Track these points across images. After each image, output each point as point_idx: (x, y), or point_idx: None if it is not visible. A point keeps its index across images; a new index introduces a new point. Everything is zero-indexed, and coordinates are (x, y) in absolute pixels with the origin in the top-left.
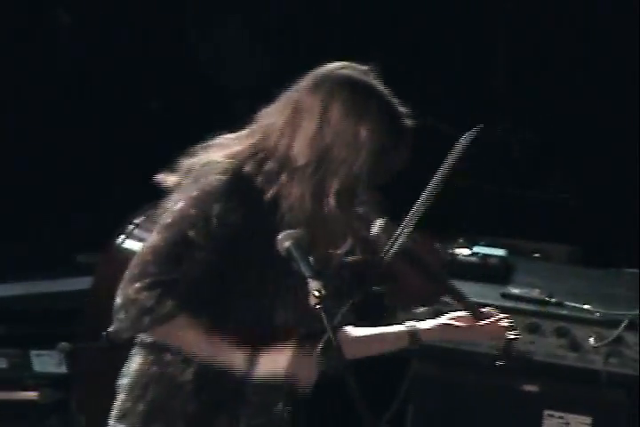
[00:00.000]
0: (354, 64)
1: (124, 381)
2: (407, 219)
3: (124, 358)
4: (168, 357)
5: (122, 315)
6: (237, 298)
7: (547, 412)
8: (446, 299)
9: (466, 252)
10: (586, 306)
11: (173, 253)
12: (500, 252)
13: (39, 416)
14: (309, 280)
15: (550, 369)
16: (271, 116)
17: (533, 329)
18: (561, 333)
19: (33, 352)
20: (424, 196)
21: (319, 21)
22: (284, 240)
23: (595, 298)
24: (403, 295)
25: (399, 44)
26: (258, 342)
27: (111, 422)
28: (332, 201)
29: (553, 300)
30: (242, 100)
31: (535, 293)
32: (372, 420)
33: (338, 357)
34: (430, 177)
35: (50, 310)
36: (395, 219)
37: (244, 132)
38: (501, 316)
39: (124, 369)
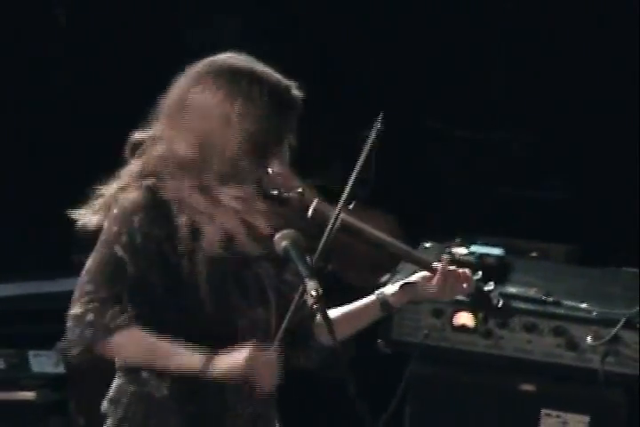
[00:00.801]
0: (231, 54)
1: (104, 405)
2: (342, 196)
3: None
4: (144, 375)
5: (69, 334)
6: (184, 306)
7: (544, 411)
8: (403, 262)
9: (463, 251)
10: (583, 305)
11: (105, 271)
12: (497, 251)
13: (37, 417)
14: (306, 280)
15: (548, 368)
16: (167, 118)
17: (531, 328)
18: (558, 332)
19: (31, 353)
20: (355, 173)
21: (317, 21)
22: (281, 240)
23: (592, 297)
24: (355, 268)
25: (398, 47)
26: (216, 344)
27: None
28: (221, 189)
29: (550, 299)
30: None
31: (532, 292)
32: (370, 420)
33: (337, 357)
34: (437, 178)
35: (47, 311)
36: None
37: (136, 158)
38: (454, 268)
39: (108, 394)
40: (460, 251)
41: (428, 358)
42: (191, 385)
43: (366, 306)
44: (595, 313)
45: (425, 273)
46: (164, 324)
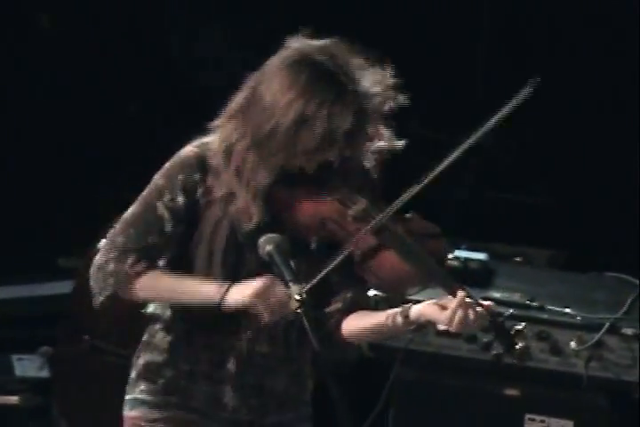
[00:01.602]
0: (317, 41)
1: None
2: (393, 203)
3: (105, 362)
4: (157, 326)
5: (93, 283)
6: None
7: (528, 416)
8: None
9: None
10: (567, 310)
11: (140, 223)
12: (481, 256)
13: (20, 421)
14: (290, 285)
15: (531, 373)
16: (236, 104)
17: (515, 333)
18: (542, 337)
19: (14, 356)
20: (415, 184)
21: (301, 22)
22: (266, 244)
23: (576, 302)
24: (383, 277)
25: (383, 50)
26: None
27: None
28: (259, 177)
29: (534, 304)
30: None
31: (516, 297)
32: (351, 424)
33: (321, 362)
34: (414, 182)
35: (31, 314)
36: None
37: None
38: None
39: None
40: None
41: (412, 363)
42: (192, 345)
43: (390, 316)
44: (578, 318)
45: (449, 297)
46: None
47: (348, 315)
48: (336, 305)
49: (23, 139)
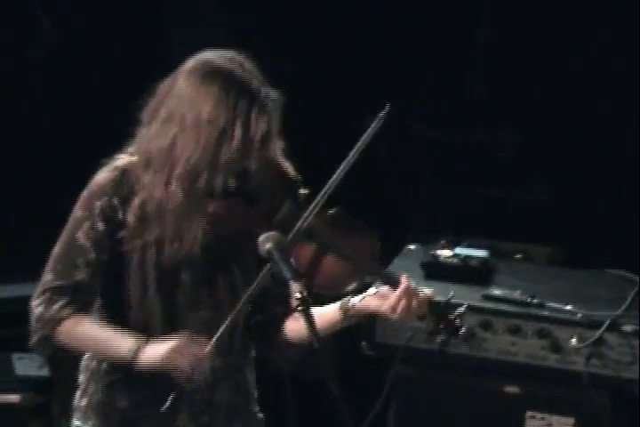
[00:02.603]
0: (223, 51)
1: (79, 376)
2: (314, 201)
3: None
4: (93, 363)
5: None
6: (131, 297)
7: (529, 413)
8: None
9: (447, 253)
10: (568, 307)
11: (64, 260)
12: (481, 253)
13: (21, 420)
14: (291, 282)
15: (532, 370)
16: (151, 111)
17: (515, 331)
18: (542, 334)
19: (14, 355)
20: (333, 178)
21: (293, 21)
22: (265, 242)
23: (576, 299)
24: (319, 277)
25: (379, 47)
26: (156, 333)
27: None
28: (178, 188)
29: (534, 301)
30: None
31: (517, 294)
32: (353, 422)
33: (321, 359)
34: (421, 179)
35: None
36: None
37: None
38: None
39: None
40: (445, 253)
41: (412, 361)
42: (147, 373)
43: (329, 314)
44: (579, 315)
45: (386, 288)
46: (117, 310)
47: (288, 317)
48: (275, 309)
49: (21, 135)
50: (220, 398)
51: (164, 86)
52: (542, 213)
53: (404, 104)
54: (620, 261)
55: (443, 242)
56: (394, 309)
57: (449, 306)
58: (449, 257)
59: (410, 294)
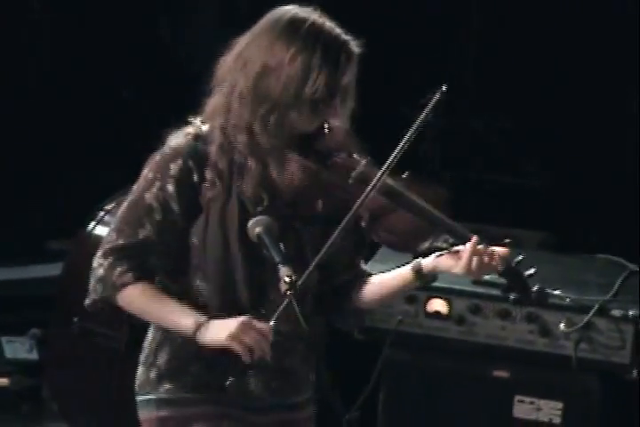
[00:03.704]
0: (297, 6)
1: (142, 354)
2: (388, 160)
3: (95, 344)
4: None
5: (89, 281)
6: (203, 259)
7: (518, 397)
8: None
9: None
10: (557, 292)
11: (131, 217)
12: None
13: (10, 402)
14: (280, 266)
15: (521, 355)
16: (225, 70)
17: (504, 315)
18: (531, 318)
19: (4, 338)
20: (402, 142)
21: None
22: (255, 226)
23: (566, 284)
24: (392, 232)
25: (371, 34)
26: (224, 306)
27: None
28: (264, 129)
29: None
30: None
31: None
32: (342, 406)
33: (311, 339)
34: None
35: (21, 297)
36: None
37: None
38: (482, 247)
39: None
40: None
41: (402, 345)
42: None
43: (402, 274)
44: (568, 300)
45: (459, 247)
46: (182, 275)
47: (357, 284)
48: (345, 276)
49: (14, 122)
50: (292, 367)
51: (236, 46)
52: (532, 198)
53: (396, 90)
54: (609, 246)
55: None
56: (467, 267)
57: (521, 265)
58: (437, 242)
59: (481, 250)
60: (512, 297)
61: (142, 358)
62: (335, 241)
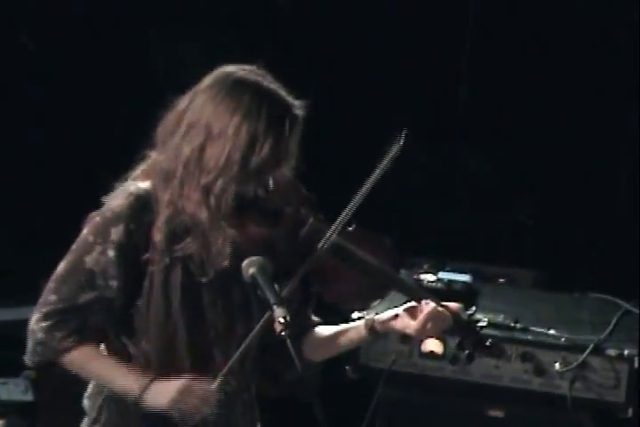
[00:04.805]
0: (243, 65)
1: (84, 402)
2: (339, 217)
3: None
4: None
5: (27, 343)
6: (145, 322)
7: None
8: (395, 291)
9: (431, 277)
10: (551, 331)
11: (71, 280)
12: (464, 277)
13: None
14: (274, 307)
15: (516, 394)
16: (167, 130)
17: (499, 354)
18: (526, 358)
19: None
20: (356, 197)
21: (278, 28)
22: (249, 267)
23: (560, 323)
24: (342, 292)
25: (361, 64)
26: (167, 367)
27: None
28: (206, 200)
29: (518, 325)
30: None
31: (500, 318)
32: None
33: (306, 382)
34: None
35: (15, 338)
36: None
37: (153, 155)
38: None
39: (86, 391)
40: (428, 277)
41: (396, 384)
42: None
43: (354, 328)
44: (563, 339)
45: (413, 304)
46: (125, 334)
47: (305, 337)
48: (295, 328)
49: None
50: (235, 418)
51: (179, 105)
52: (525, 236)
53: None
54: (602, 284)
55: (426, 266)
56: (422, 329)
57: (472, 320)
58: (432, 281)
59: (436, 314)
60: (466, 353)
61: (86, 407)
62: (284, 296)
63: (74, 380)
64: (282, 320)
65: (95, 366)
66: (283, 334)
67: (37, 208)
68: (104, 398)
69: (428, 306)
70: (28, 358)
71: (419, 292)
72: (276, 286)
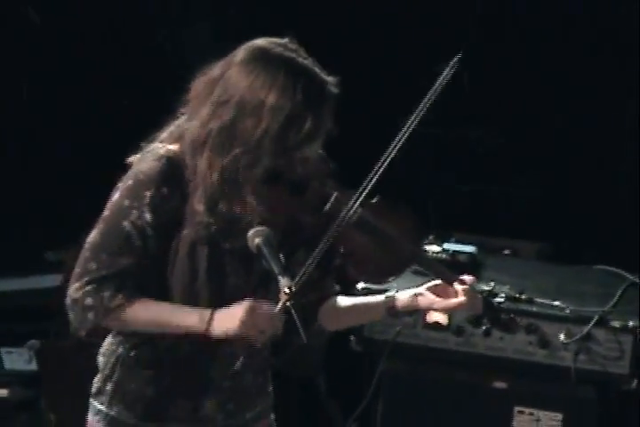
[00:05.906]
0: (275, 39)
1: (99, 359)
2: (360, 189)
3: (94, 355)
4: (134, 340)
5: (71, 315)
6: (171, 284)
7: (517, 408)
8: (417, 266)
9: (435, 248)
10: (556, 303)
11: (110, 246)
12: (469, 249)
13: (9, 414)
14: (279, 277)
15: (520, 366)
16: (199, 97)
17: (503, 326)
18: (531, 329)
19: (2, 350)
20: (378, 164)
21: (284, 15)
22: (254, 237)
23: (565, 295)
24: (364, 267)
25: (367, 45)
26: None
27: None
28: (236, 171)
29: (523, 296)
30: None
31: (505, 289)
32: (340, 418)
33: (309, 355)
34: (409, 175)
35: (19, 308)
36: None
37: (182, 118)
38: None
39: (101, 348)
40: (433, 248)
41: (400, 356)
42: (175, 361)
43: (373, 305)
44: (567, 311)
45: (437, 283)
46: (165, 294)
47: (322, 304)
48: (313, 295)
49: (14, 133)
50: (246, 383)
51: (211, 75)
52: (530, 208)
53: (395, 101)
54: (607, 256)
55: (431, 237)
56: (456, 309)
57: (492, 296)
58: (437, 252)
59: (473, 296)
60: (484, 327)
61: (100, 364)
62: (308, 269)
63: (78, 350)
64: (286, 290)
65: (151, 313)
66: (287, 304)
67: (41, 182)
68: (117, 357)
69: (465, 285)
70: (78, 330)
71: (439, 268)
72: (281, 256)
